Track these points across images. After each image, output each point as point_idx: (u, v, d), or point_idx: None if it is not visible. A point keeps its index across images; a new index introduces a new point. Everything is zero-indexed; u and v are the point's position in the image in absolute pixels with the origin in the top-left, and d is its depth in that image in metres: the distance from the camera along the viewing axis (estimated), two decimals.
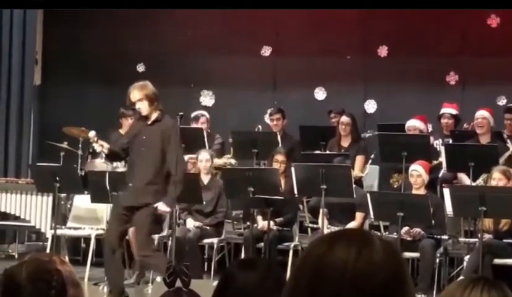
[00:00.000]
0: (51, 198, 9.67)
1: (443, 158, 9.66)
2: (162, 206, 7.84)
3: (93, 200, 9.24)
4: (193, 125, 10.81)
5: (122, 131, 11.40)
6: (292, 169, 8.98)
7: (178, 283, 2.50)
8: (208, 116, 11.15)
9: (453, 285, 2.05)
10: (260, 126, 11.38)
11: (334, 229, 8.84)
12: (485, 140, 9.85)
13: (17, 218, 10.39)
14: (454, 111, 10.68)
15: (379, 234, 9.04)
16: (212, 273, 9.32)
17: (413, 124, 10.30)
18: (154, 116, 7.92)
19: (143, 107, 7.88)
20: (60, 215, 9.89)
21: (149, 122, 7.94)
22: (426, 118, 10.57)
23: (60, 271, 2.45)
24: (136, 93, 7.88)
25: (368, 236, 1.64)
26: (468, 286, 1.97)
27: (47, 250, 9.20)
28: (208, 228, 9.43)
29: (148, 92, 7.88)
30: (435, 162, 9.73)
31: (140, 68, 12.89)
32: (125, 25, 12.67)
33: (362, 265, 1.58)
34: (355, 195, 8.76)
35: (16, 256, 10.57)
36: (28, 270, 2.44)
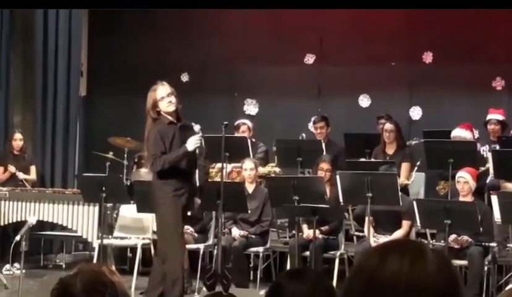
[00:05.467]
0: (97, 208, 9.73)
1: (490, 165, 9.54)
2: None
3: (139, 210, 9.28)
4: (235, 134, 10.77)
5: None
6: (337, 177, 8.93)
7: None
8: (249, 124, 11.00)
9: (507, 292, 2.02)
10: (303, 134, 11.34)
11: (380, 237, 8.78)
12: None
13: (63, 228, 10.49)
14: (500, 117, 10.55)
15: (426, 242, 8.95)
16: (258, 282, 9.31)
17: (459, 134, 10.14)
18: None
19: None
20: (106, 225, 9.94)
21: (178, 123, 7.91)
22: (471, 125, 10.44)
23: (113, 283, 2.46)
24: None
25: (420, 247, 1.62)
26: None
27: (94, 260, 9.27)
28: (253, 236, 9.42)
29: None
30: (482, 168, 9.61)
31: (184, 78, 12.95)
32: (169, 34, 12.74)
33: (415, 276, 1.57)
34: (401, 203, 8.68)
35: (63, 266, 10.67)
36: (82, 281, 2.45)
